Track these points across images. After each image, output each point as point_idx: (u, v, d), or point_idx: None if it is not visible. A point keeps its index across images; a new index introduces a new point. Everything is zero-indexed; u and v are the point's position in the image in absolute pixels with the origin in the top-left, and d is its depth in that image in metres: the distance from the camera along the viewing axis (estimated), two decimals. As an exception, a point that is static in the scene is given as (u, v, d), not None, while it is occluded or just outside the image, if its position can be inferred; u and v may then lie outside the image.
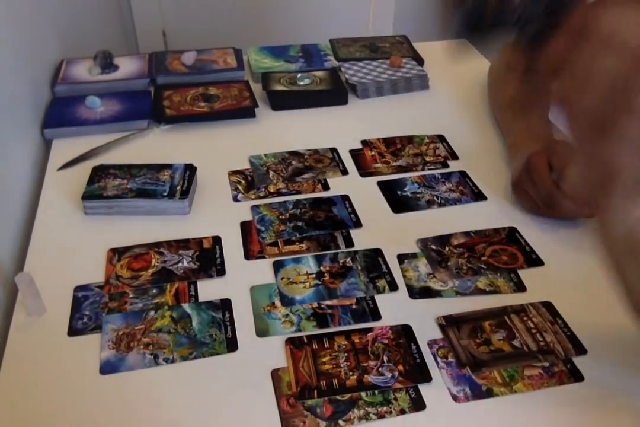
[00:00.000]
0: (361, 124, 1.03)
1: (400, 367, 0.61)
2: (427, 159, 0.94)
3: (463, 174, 0.90)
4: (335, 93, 1.09)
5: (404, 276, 0.72)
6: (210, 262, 0.74)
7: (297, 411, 0.57)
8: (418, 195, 0.85)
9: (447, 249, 0.76)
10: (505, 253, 0.75)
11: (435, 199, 0.84)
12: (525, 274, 0.73)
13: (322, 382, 0.60)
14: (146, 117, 1.01)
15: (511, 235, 0.78)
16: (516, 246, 0.77)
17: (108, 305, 0.69)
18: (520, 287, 0.71)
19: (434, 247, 0.76)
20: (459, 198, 0.85)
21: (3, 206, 0.79)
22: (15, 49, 0.94)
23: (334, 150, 0.96)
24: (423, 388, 0.59)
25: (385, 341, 0.64)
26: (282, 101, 1.08)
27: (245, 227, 0.80)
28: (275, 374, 0.61)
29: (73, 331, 0.66)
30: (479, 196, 0.85)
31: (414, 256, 0.75)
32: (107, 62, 1.13)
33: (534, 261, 0.74)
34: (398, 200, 0.85)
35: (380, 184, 0.88)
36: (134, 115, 1.01)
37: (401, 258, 0.75)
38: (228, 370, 0.62)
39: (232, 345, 0.64)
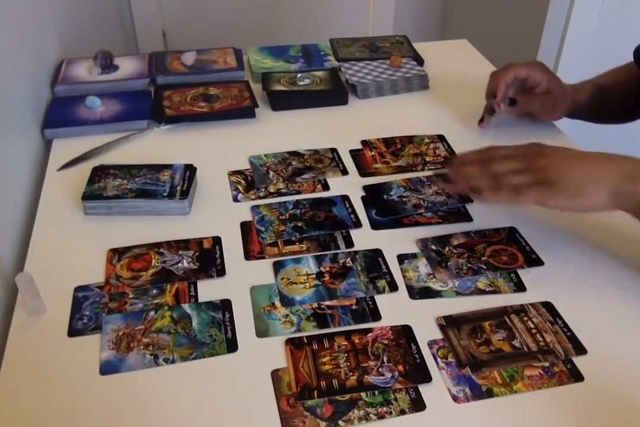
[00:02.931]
0: (361, 124, 1.03)
1: (400, 368, 0.61)
2: (427, 159, 0.94)
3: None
4: (335, 93, 1.09)
5: (404, 276, 0.72)
6: (210, 263, 0.74)
7: (297, 411, 0.57)
8: (404, 199, 0.85)
9: (447, 249, 0.76)
10: (505, 253, 0.75)
11: (421, 202, 0.84)
12: (525, 274, 0.73)
13: (322, 383, 0.60)
14: (146, 117, 1.01)
15: (511, 235, 0.78)
16: (516, 245, 0.76)
17: (108, 305, 0.69)
18: (520, 287, 0.71)
19: (434, 247, 0.76)
20: (445, 201, 0.84)
21: (3, 206, 0.79)
22: (15, 49, 0.94)
23: (334, 150, 0.96)
24: (423, 388, 0.59)
25: (385, 341, 0.64)
26: (282, 101, 1.08)
27: (245, 227, 0.80)
28: (275, 375, 0.61)
29: (73, 331, 0.66)
30: (465, 198, 0.85)
31: (414, 256, 0.75)
32: (107, 62, 1.13)
33: (534, 260, 0.74)
34: (385, 204, 0.84)
35: (366, 188, 0.87)
36: (134, 115, 1.01)
37: (401, 258, 0.75)
38: (228, 370, 0.62)
39: (232, 345, 0.64)
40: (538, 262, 0.74)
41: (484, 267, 0.73)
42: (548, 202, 0.69)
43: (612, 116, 1.05)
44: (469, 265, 0.74)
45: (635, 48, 0.98)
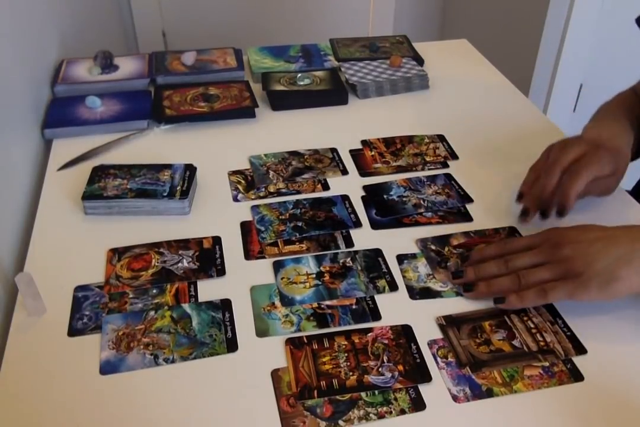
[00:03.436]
0: (361, 124, 1.04)
1: (400, 367, 0.61)
2: (427, 159, 0.94)
3: (449, 177, 0.89)
4: (335, 93, 1.09)
5: (404, 277, 0.72)
6: (210, 262, 0.74)
7: (297, 411, 0.57)
8: (404, 199, 0.85)
9: (446, 249, 0.76)
10: (505, 253, 0.75)
11: (421, 202, 0.84)
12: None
13: (322, 382, 0.60)
14: (146, 117, 1.01)
15: (511, 235, 0.78)
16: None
17: (108, 305, 0.69)
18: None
19: (433, 247, 0.76)
20: (445, 201, 0.84)
21: (3, 206, 0.79)
22: (15, 49, 0.94)
23: (334, 150, 0.96)
24: (423, 388, 0.59)
25: (385, 341, 0.64)
26: (282, 101, 1.08)
27: (245, 227, 0.80)
28: (275, 374, 0.61)
29: (73, 331, 0.66)
30: (465, 198, 0.85)
31: (413, 256, 0.75)
32: (107, 62, 1.13)
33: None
34: (385, 204, 0.84)
35: (366, 188, 0.87)
36: (134, 115, 1.01)
37: (401, 258, 0.75)
38: (228, 370, 0.62)
39: (232, 345, 0.64)
40: (538, 262, 0.74)
41: (484, 267, 0.73)
42: (579, 297, 0.63)
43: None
44: (468, 265, 0.73)
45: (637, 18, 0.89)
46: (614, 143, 0.77)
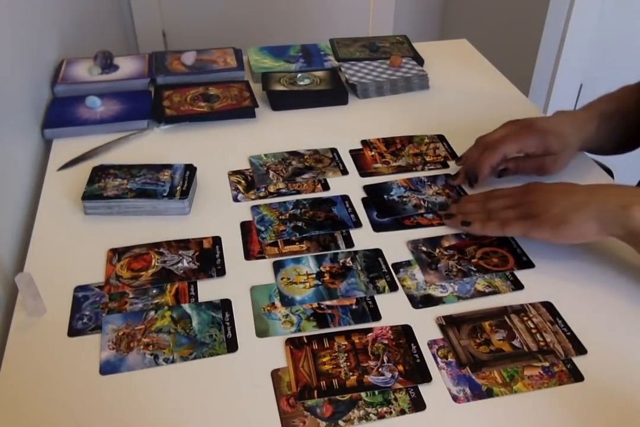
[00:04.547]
0: (361, 124, 1.03)
1: (400, 368, 0.61)
2: (427, 159, 0.94)
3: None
4: (335, 93, 1.09)
5: (403, 286, 0.71)
6: (210, 262, 0.74)
7: (297, 411, 0.57)
8: (404, 199, 0.85)
9: (437, 250, 0.76)
10: (496, 255, 0.75)
11: (422, 202, 0.84)
12: (524, 274, 0.72)
13: (322, 383, 0.60)
14: (146, 117, 1.01)
15: (502, 237, 0.78)
16: (507, 248, 0.76)
17: (108, 305, 0.69)
18: (517, 285, 0.71)
19: (424, 248, 0.76)
20: (446, 202, 0.84)
21: (3, 206, 0.79)
22: (15, 49, 0.94)
23: (334, 150, 0.96)
24: (423, 388, 0.59)
25: (385, 341, 0.64)
26: (282, 101, 1.08)
27: (245, 227, 0.80)
28: (275, 374, 0.61)
29: (73, 331, 0.66)
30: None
31: (407, 264, 0.74)
32: (107, 62, 1.13)
33: (524, 263, 0.74)
34: (385, 204, 0.84)
35: (366, 189, 0.87)
36: (134, 115, 1.01)
37: (396, 267, 0.74)
38: (228, 370, 0.62)
39: (232, 345, 0.64)
40: (529, 264, 0.74)
41: (474, 269, 0.73)
42: (533, 234, 0.72)
43: (620, 145, 0.93)
44: (459, 267, 0.73)
45: None
46: (552, 126, 0.84)
